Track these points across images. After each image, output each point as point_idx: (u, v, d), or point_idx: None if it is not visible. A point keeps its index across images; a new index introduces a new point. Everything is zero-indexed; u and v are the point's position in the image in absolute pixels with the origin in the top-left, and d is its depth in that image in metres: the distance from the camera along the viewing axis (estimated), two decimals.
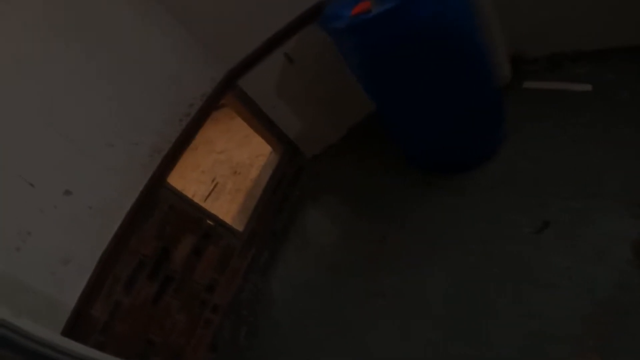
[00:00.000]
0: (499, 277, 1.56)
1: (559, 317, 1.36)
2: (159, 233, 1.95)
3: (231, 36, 2.16)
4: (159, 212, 1.95)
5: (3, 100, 1.53)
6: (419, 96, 1.73)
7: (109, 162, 1.82)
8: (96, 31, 1.83)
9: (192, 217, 2.08)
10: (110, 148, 1.81)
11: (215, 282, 2.22)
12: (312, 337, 1.93)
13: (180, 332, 2.02)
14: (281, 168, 2.56)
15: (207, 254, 2.15)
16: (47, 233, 1.61)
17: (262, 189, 2.43)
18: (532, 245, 1.56)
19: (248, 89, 2.33)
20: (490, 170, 1.90)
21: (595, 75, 1.88)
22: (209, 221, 2.17)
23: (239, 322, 2.24)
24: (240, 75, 2.27)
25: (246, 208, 2.41)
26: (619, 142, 1.64)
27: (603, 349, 1.24)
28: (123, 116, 1.89)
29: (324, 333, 1.89)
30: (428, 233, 1.91)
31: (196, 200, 2.93)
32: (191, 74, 2.12)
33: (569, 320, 1.33)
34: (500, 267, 1.58)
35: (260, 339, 2.11)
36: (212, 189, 2.95)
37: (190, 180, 3.29)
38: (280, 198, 2.57)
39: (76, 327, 1.62)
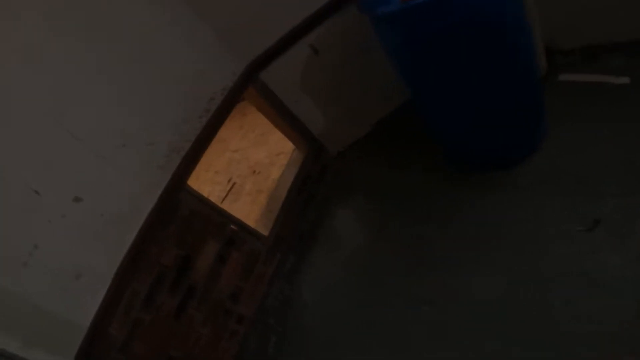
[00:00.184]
0: (551, 278, 1.48)
1: (614, 318, 1.30)
2: (180, 241, 1.78)
3: (252, 26, 1.98)
4: (179, 217, 1.78)
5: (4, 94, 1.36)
6: (463, 87, 1.62)
7: (122, 164, 1.65)
8: (109, 24, 1.66)
9: (215, 222, 1.91)
10: (124, 149, 1.64)
11: (240, 291, 2.05)
12: (350, 347, 1.80)
13: (204, 346, 1.87)
14: (306, 166, 2.39)
15: (232, 261, 1.99)
16: (56, 245, 1.45)
17: (287, 190, 2.26)
18: (584, 245, 1.48)
19: (270, 82, 2.16)
20: (533, 167, 1.79)
21: (632, 67, 1.80)
22: (232, 225, 2.00)
23: (267, 331, 2.10)
24: (262, 68, 2.09)
25: (270, 210, 2.24)
26: None
27: None
28: (137, 114, 1.71)
29: (363, 342, 1.77)
30: (471, 234, 1.78)
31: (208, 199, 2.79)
32: (210, 66, 1.94)
33: (624, 321, 1.27)
34: (552, 268, 1.50)
35: (291, 349, 1.99)
36: (229, 190, 2.77)
37: (204, 180, 3.12)
38: (306, 198, 2.39)
39: (92, 347, 1.49)
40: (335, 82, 2.26)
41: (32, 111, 1.42)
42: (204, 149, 1.86)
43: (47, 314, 1.40)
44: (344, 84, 2.28)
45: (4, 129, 1.35)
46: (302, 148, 2.41)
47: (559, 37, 1.96)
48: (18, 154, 1.37)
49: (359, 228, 2.23)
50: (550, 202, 1.65)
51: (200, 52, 1.91)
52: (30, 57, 1.43)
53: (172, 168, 1.75)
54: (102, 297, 1.54)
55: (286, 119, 2.28)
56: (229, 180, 2.87)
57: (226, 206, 2.63)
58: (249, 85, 2.07)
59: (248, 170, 2.82)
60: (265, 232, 2.18)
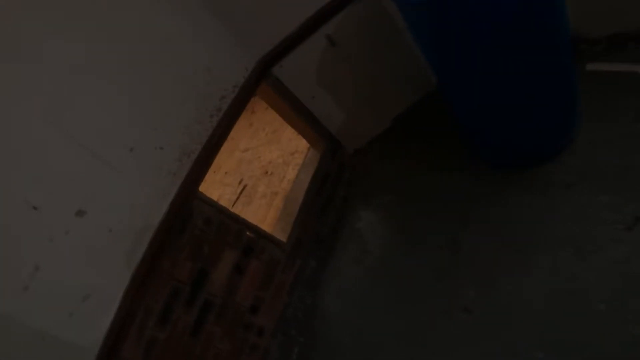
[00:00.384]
0: (597, 281, 1.35)
1: None
2: (195, 252, 1.64)
3: (263, 17, 1.83)
4: (193, 227, 1.64)
5: None
6: (498, 75, 1.49)
7: (130, 171, 1.50)
8: (112, 17, 1.50)
9: (231, 230, 1.77)
10: (132, 154, 1.49)
11: (260, 302, 1.92)
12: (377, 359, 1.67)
13: None
14: (324, 166, 2.24)
15: (250, 270, 1.85)
16: (60, 266, 1.32)
17: (305, 191, 2.11)
18: (628, 245, 1.37)
19: (284, 77, 2.00)
20: (568, 163, 1.66)
21: None
22: (248, 232, 1.86)
23: (289, 343, 1.97)
24: (275, 63, 1.94)
25: (288, 214, 2.09)
26: None
27: None
28: (144, 115, 1.57)
29: (392, 353, 1.65)
30: (508, 237, 1.64)
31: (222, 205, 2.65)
32: (220, 62, 1.79)
33: None
34: (597, 271, 1.37)
35: None
36: (240, 193, 2.63)
37: (212, 182, 2.97)
38: (325, 200, 2.25)
39: None
40: (353, 76, 2.11)
41: (26, 113, 1.27)
42: (217, 151, 1.72)
43: (53, 339, 1.28)
44: (363, 77, 2.13)
45: None
46: (319, 146, 2.26)
47: (585, 25, 1.82)
48: (11, 164, 1.22)
49: (384, 231, 2.08)
50: (590, 200, 1.52)
51: (208, 47, 1.75)
52: (26, 55, 1.29)
53: (183, 173, 1.61)
54: (112, 319, 1.41)
55: (301, 116, 2.12)
56: (240, 182, 2.72)
57: (238, 210, 2.49)
58: (262, 81, 1.92)
59: (260, 171, 2.66)
60: (283, 237, 2.04)
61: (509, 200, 1.72)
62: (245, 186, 2.65)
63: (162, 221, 1.53)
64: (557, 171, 1.65)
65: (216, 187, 2.93)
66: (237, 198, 2.60)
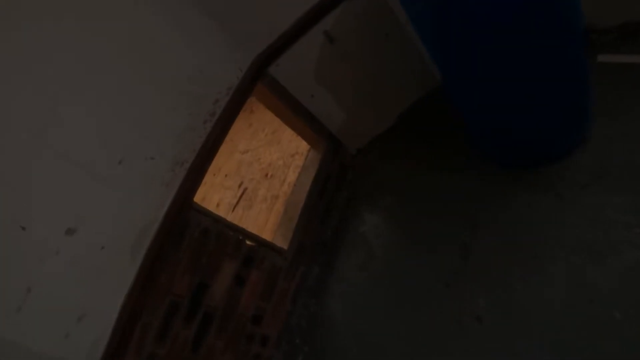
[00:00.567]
0: (613, 288, 1.28)
1: None
2: (193, 265, 1.58)
3: (258, 14, 1.74)
4: (189, 239, 1.57)
5: None
6: (507, 69, 1.40)
7: (119, 185, 1.43)
8: (96, 22, 1.42)
9: (229, 240, 1.70)
10: (121, 166, 1.42)
11: (262, 311, 1.87)
12: None
13: None
14: (325, 167, 2.16)
15: (251, 281, 1.79)
16: (53, 286, 1.27)
17: (306, 194, 2.04)
18: None
19: (281, 77, 1.92)
20: (581, 161, 1.57)
21: None
22: (248, 241, 1.79)
23: (293, 352, 1.91)
24: (271, 61, 1.85)
25: (289, 218, 2.02)
26: None
27: None
28: (134, 123, 1.49)
29: None
30: (520, 241, 1.56)
31: (222, 209, 2.59)
32: (212, 64, 1.71)
33: None
34: (614, 277, 1.29)
35: None
36: (240, 196, 2.56)
37: (212, 185, 2.90)
38: (327, 203, 2.18)
39: None
40: (353, 73, 2.03)
41: (9, 129, 1.20)
42: (211, 158, 1.65)
43: None
44: (363, 74, 2.05)
45: None
46: (319, 147, 2.18)
47: (594, 14, 1.71)
48: None
49: (390, 235, 2.00)
50: (603, 200, 1.43)
51: (199, 48, 1.67)
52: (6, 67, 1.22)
53: (177, 184, 1.54)
54: (109, 337, 1.36)
55: (300, 117, 2.05)
56: (240, 185, 2.66)
57: (239, 214, 2.43)
58: (257, 82, 1.84)
59: (260, 174, 2.59)
60: (285, 243, 1.98)
61: (519, 201, 1.64)
62: (245, 189, 2.58)
63: (156, 235, 1.47)
64: (570, 170, 1.57)
65: (217, 190, 2.87)
66: (237, 202, 2.54)
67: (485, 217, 1.69)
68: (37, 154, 1.26)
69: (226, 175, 2.87)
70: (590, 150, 1.55)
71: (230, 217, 2.45)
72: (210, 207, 2.69)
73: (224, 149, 3.07)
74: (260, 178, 2.55)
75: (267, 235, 2.09)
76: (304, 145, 2.29)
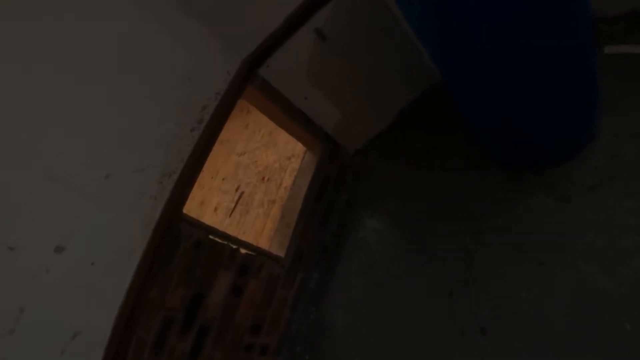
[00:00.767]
0: (624, 298, 1.22)
1: None
2: (187, 278, 1.54)
3: (245, 13, 1.65)
4: (181, 252, 1.53)
5: None
6: (511, 64, 1.33)
7: (106, 199, 1.37)
8: (76, 22, 1.35)
9: (224, 250, 1.65)
10: (107, 181, 1.37)
11: (261, 320, 1.83)
12: None
13: None
14: (322, 170, 2.10)
15: (248, 290, 1.74)
16: (45, 305, 1.24)
17: (302, 199, 1.98)
18: None
19: (272, 78, 1.85)
20: (591, 162, 1.50)
21: None
22: (243, 251, 1.74)
23: None
24: (260, 63, 1.78)
25: (286, 224, 1.97)
26: None
27: None
28: (119, 135, 1.43)
29: None
30: (527, 247, 1.50)
31: (220, 214, 2.54)
32: (199, 68, 1.63)
33: None
34: (624, 287, 1.23)
35: None
36: (237, 201, 2.51)
37: (210, 189, 2.85)
38: (326, 206, 2.11)
39: None
40: (348, 71, 1.95)
41: None
42: (200, 167, 1.59)
43: None
44: (358, 71, 1.97)
45: None
46: (315, 149, 2.11)
47: (600, 1, 1.62)
48: None
49: (391, 239, 1.94)
50: (613, 203, 1.37)
51: (184, 51, 1.60)
52: None
53: (165, 196, 1.48)
54: (103, 354, 1.34)
55: (295, 119, 1.98)
56: (237, 189, 2.60)
57: (236, 219, 2.38)
58: (247, 85, 1.76)
59: (257, 177, 2.53)
60: (282, 250, 1.93)
61: (525, 205, 1.57)
62: (242, 194, 2.53)
63: (147, 249, 1.42)
64: (578, 171, 1.49)
65: (214, 193, 2.82)
66: (235, 207, 2.49)
67: (488, 221, 1.64)
68: (21, 171, 1.22)
69: (224, 179, 2.81)
70: (598, 149, 1.48)
71: (228, 222, 2.40)
72: (209, 210, 2.64)
73: (221, 151, 3.03)
74: (256, 182, 2.49)
75: (264, 241, 2.04)
76: (300, 148, 2.23)
